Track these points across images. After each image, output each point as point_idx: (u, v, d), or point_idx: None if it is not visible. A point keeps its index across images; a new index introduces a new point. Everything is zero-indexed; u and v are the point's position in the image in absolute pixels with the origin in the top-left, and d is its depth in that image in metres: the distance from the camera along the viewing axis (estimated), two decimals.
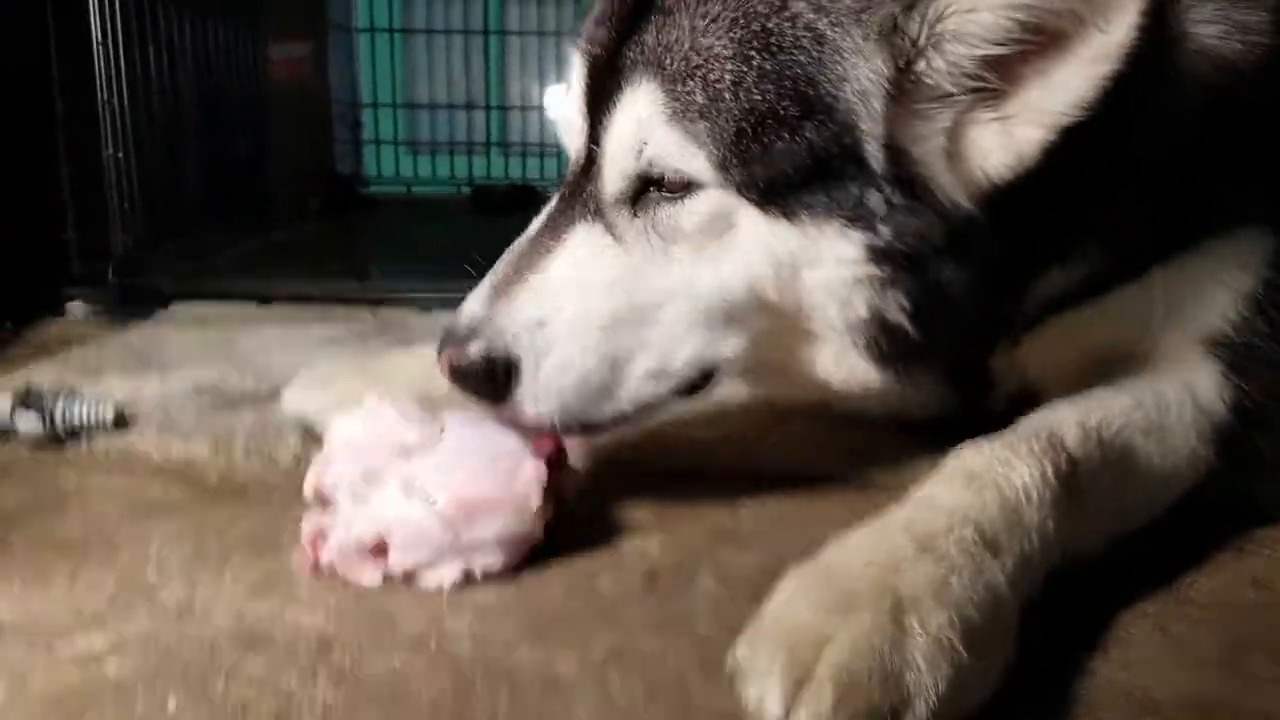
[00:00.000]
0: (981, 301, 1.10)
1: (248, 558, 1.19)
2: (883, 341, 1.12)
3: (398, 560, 1.12)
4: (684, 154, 1.05)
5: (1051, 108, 1.01)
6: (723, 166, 1.05)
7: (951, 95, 1.05)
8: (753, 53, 1.05)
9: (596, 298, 1.11)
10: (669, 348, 1.14)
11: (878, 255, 1.07)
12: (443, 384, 1.48)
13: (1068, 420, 1.14)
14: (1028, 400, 1.30)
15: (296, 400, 1.48)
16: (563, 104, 1.18)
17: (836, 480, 1.42)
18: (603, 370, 1.13)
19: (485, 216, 4.40)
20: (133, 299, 2.44)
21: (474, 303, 1.15)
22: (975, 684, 0.88)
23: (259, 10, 3.87)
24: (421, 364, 1.53)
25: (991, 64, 1.03)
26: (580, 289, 1.11)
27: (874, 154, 1.05)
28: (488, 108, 4.97)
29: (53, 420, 1.51)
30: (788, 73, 1.04)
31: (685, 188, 1.08)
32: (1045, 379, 1.33)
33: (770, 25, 1.05)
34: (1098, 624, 1.06)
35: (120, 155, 2.47)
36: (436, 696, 0.93)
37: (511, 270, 1.14)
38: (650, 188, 1.10)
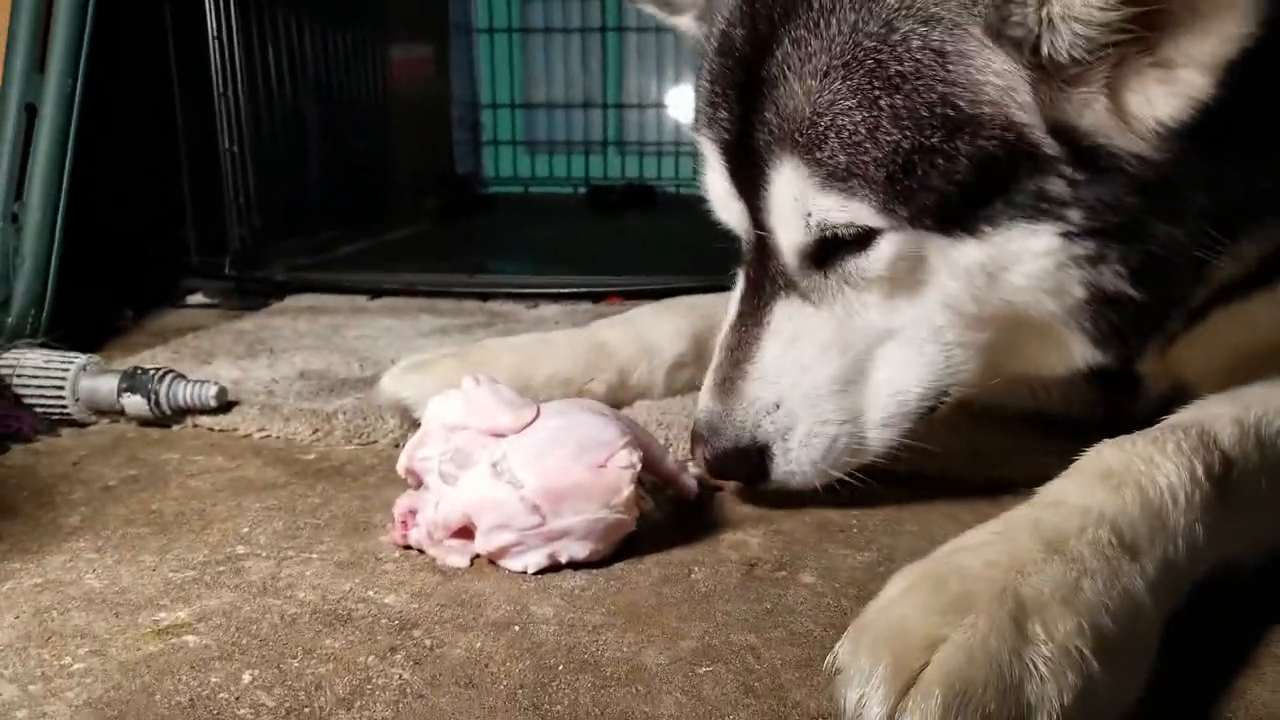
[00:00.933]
0: (1193, 250, 1.06)
1: (338, 536, 1.20)
2: (1109, 315, 1.08)
3: (483, 542, 1.10)
4: (847, 211, 1.05)
5: (1206, 46, 0.94)
6: (888, 210, 1.03)
7: (1093, 60, 0.98)
8: (877, 93, 1.01)
9: (817, 365, 1.14)
10: (899, 389, 1.14)
11: (1075, 236, 1.03)
12: (541, 372, 1.51)
13: (1222, 416, 1.05)
14: (1176, 405, 1.22)
15: (394, 385, 1.48)
16: (714, 189, 1.18)
17: (959, 481, 1.36)
18: (845, 430, 1.16)
19: (601, 216, 4.42)
20: (248, 291, 2.51)
21: (708, 401, 1.20)
22: (1107, 700, 0.80)
23: (381, 12, 3.97)
24: (520, 354, 1.54)
25: (1127, 19, 0.95)
26: (799, 361, 1.14)
27: (1043, 141, 1.00)
28: (605, 106, 4.99)
29: (158, 401, 1.55)
30: (920, 100, 1.00)
31: (863, 238, 1.07)
32: (1201, 381, 1.23)
33: (883, 58, 1.01)
34: (1252, 639, 0.96)
35: (236, 150, 2.54)
36: (517, 681, 0.90)
37: (729, 363, 1.19)
38: (830, 247, 1.09)
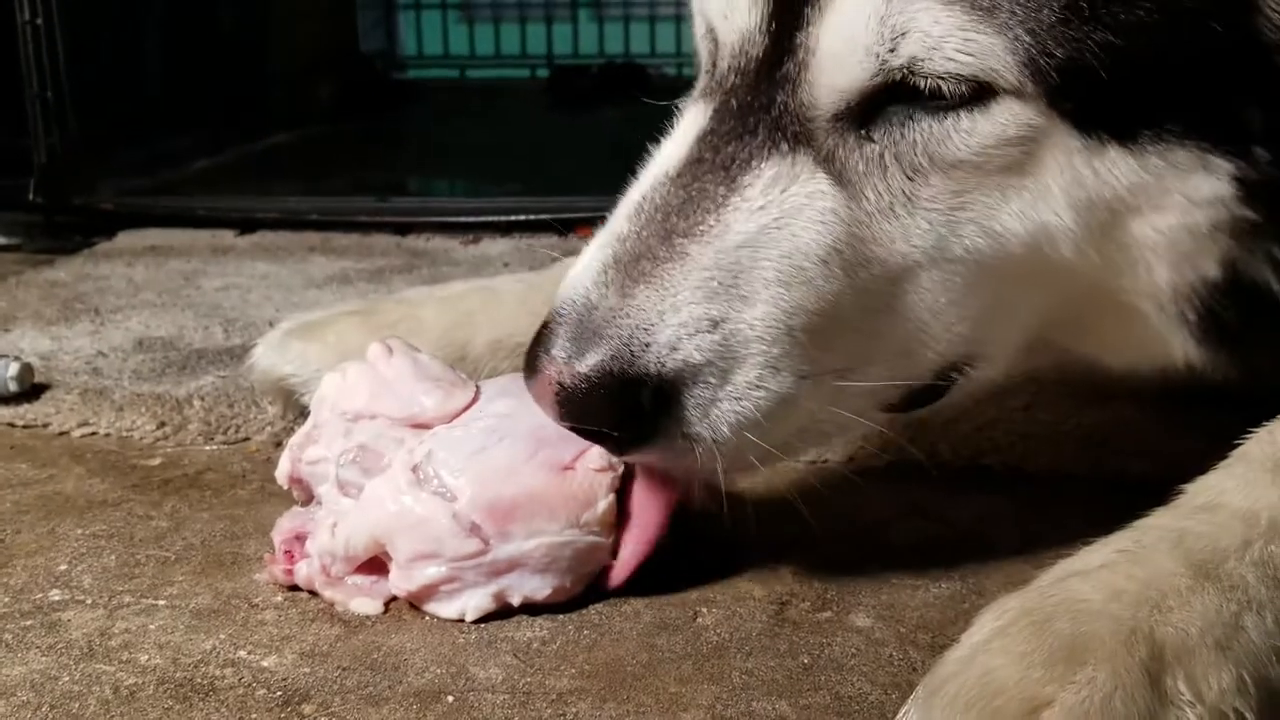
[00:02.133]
0: None
1: (194, 575, 1.21)
2: (1229, 311, 1.08)
3: (401, 579, 1.11)
4: (974, 46, 0.97)
5: None
6: (1034, 65, 0.98)
7: None
8: None
9: (807, 277, 1.03)
10: (910, 345, 1.09)
11: (1250, 191, 1.03)
12: (482, 336, 1.51)
13: None
14: None
15: (273, 356, 1.49)
16: None
17: (1069, 478, 1.38)
18: (815, 390, 1.06)
19: (569, 110, 4.42)
20: (62, 226, 2.51)
21: (587, 280, 1.06)
22: None
23: None
24: (452, 310, 1.54)
25: None
26: (779, 264, 1.03)
27: (1273, 39, 0.99)
28: None
29: None
30: None
31: (966, 98, 1.01)
32: None
33: None
34: None
35: (39, 22, 2.53)
36: None
37: (650, 230, 1.05)
38: (897, 96, 1.02)
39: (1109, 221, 1.05)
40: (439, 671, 1.04)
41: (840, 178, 1.04)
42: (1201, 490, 0.99)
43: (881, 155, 1.04)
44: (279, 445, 1.48)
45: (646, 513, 1.15)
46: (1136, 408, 1.51)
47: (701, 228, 1.04)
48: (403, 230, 2.48)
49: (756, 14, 1.05)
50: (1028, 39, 0.97)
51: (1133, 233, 1.05)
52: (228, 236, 2.51)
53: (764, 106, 1.05)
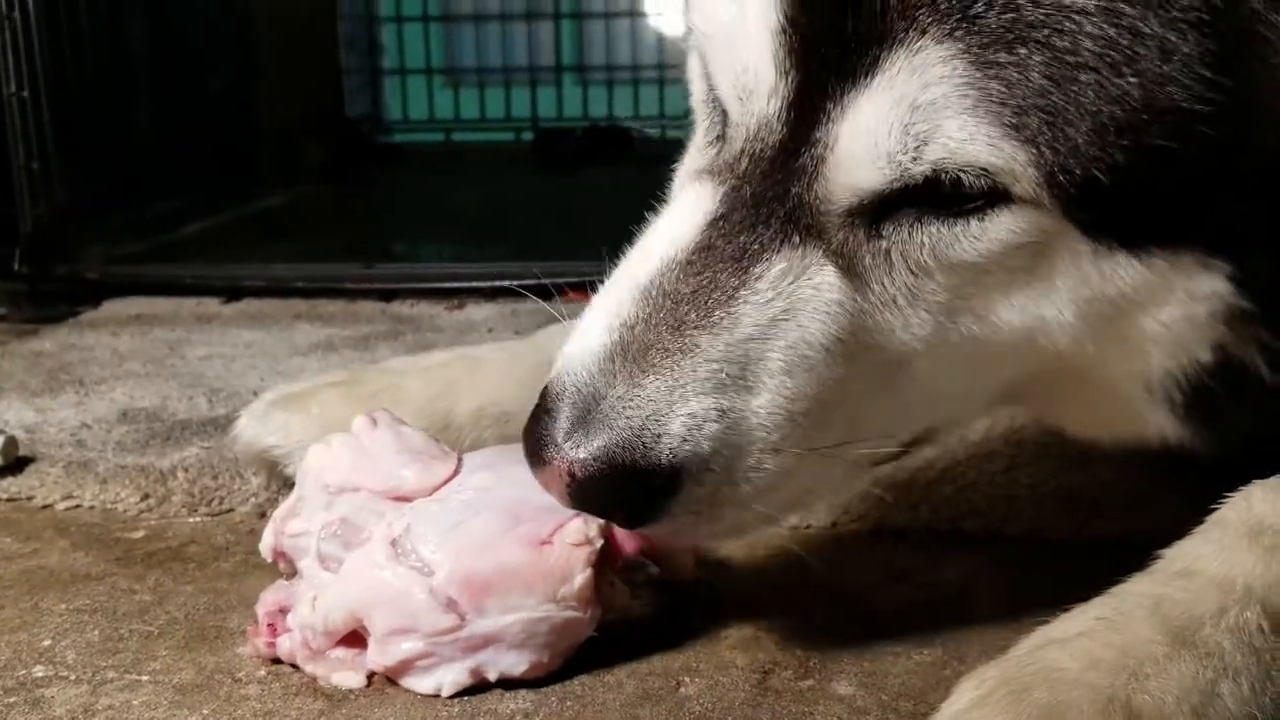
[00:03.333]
0: None
1: (177, 649, 1.21)
2: (1215, 390, 1.10)
3: (378, 653, 1.11)
4: (998, 156, 0.97)
5: None
6: (1053, 180, 0.98)
7: None
8: (1136, 9, 0.96)
9: (810, 364, 1.04)
10: (899, 419, 1.11)
11: (1244, 283, 1.04)
12: (465, 405, 1.52)
13: None
14: None
15: (257, 427, 1.49)
16: (722, 18, 1.07)
17: (1050, 541, 1.39)
18: (810, 463, 1.07)
19: (555, 172, 4.45)
20: (48, 295, 2.52)
21: (588, 366, 1.04)
22: None
23: None
24: (435, 380, 1.55)
25: None
26: (785, 354, 1.03)
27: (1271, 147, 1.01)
28: (557, 17, 5.05)
29: None
30: (1188, 45, 0.96)
31: (979, 204, 1.01)
32: None
33: None
34: None
35: (26, 95, 2.55)
36: None
37: (656, 319, 1.04)
38: (908, 202, 1.02)
39: (1111, 316, 1.06)
40: None
41: (848, 270, 1.04)
42: (1178, 557, 1.00)
43: (888, 252, 1.04)
44: (263, 516, 1.49)
45: None
46: (1115, 469, 1.52)
47: (713, 319, 1.02)
48: (388, 296, 2.49)
49: (776, 103, 1.03)
50: (1050, 155, 0.96)
51: (1134, 325, 1.06)
52: (213, 304, 2.52)
53: (778, 197, 1.04)
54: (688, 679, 1.13)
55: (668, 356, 1.02)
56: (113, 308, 2.52)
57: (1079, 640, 0.91)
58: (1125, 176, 0.97)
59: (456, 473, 1.20)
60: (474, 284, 2.42)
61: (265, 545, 1.23)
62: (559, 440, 1.03)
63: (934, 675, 1.13)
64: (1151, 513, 1.36)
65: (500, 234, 3.17)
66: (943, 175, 0.98)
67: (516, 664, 1.12)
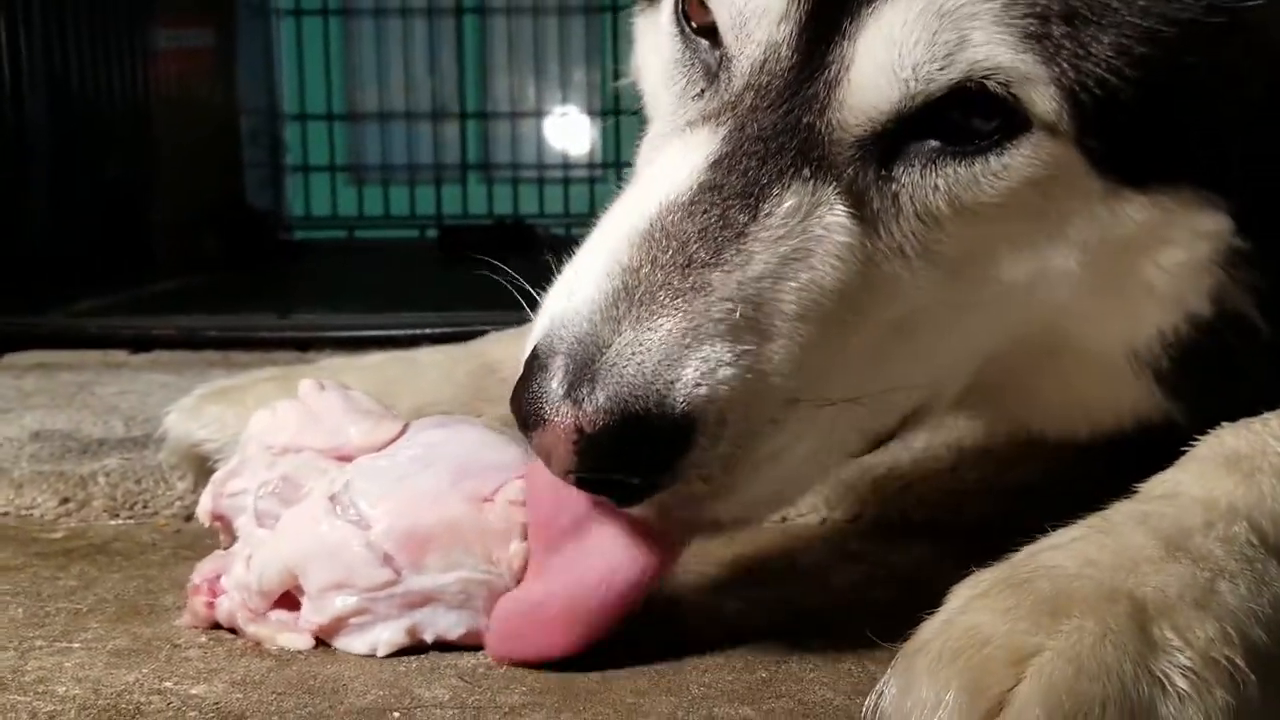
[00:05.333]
0: None
1: (109, 622, 1.16)
2: (1209, 352, 1.09)
3: (312, 610, 1.07)
4: (1021, 69, 0.95)
5: None
6: (1073, 99, 0.96)
7: None
8: None
9: (824, 311, 0.98)
10: (890, 389, 1.06)
11: (1242, 222, 1.05)
12: (403, 404, 1.48)
13: None
14: None
15: (187, 423, 1.44)
16: None
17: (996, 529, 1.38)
18: (817, 442, 1.02)
19: (458, 264, 4.43)
20: None
21: (586, 314, 0.96)
22: None
23: None
24: (372, 378, 1.52)
25: None
26: (798, 296, 0.98)
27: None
28: (463, 117, 5.08)
29: None
30: None
31: (996, 136, 0.99)
32: None
33: None
34: None
35: None
36: None
37: (662, 259, 0.97)
38: (917, 135, 1.00)
39: (1113, 263, 1.05)
40: (381, 694, 0.99)
41: (858, 214, 1.00)
42: (1158, 483, 1.01)
43: (897, 195, 1.01)
44: (189, 520, 1.43)
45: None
46: (1057, 465, 1.53)
47: (723, 256, 0.96)
48: (303, 346, 2.45)
49: (787, 27, 1.00)
50: (1072, 73, 0.96)
51: (1135, 273, 1.06)
52: (120, 355, 2.46)
53: (788, 129, 1.00)
54: (653, 633, 1.09)
55: (678, 296, 0.95)
56: (12, 359, 2.44)
57: (1074, 544, 0.91)
58: (1140, 98, 0.97)
59: (403, 433, 1.16)
60: (391, 332, 2.38)
61: (203, 508, 1.18)
62: (561, 394, 0.93)
63: (909, 628, 1.11)
64: (1099, 498, 1.37)
65: (411, 305, 3.13)
66: (967, 87, 0.96)
67: (454, 627, 1.07)
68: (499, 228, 4.76)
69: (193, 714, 0.96)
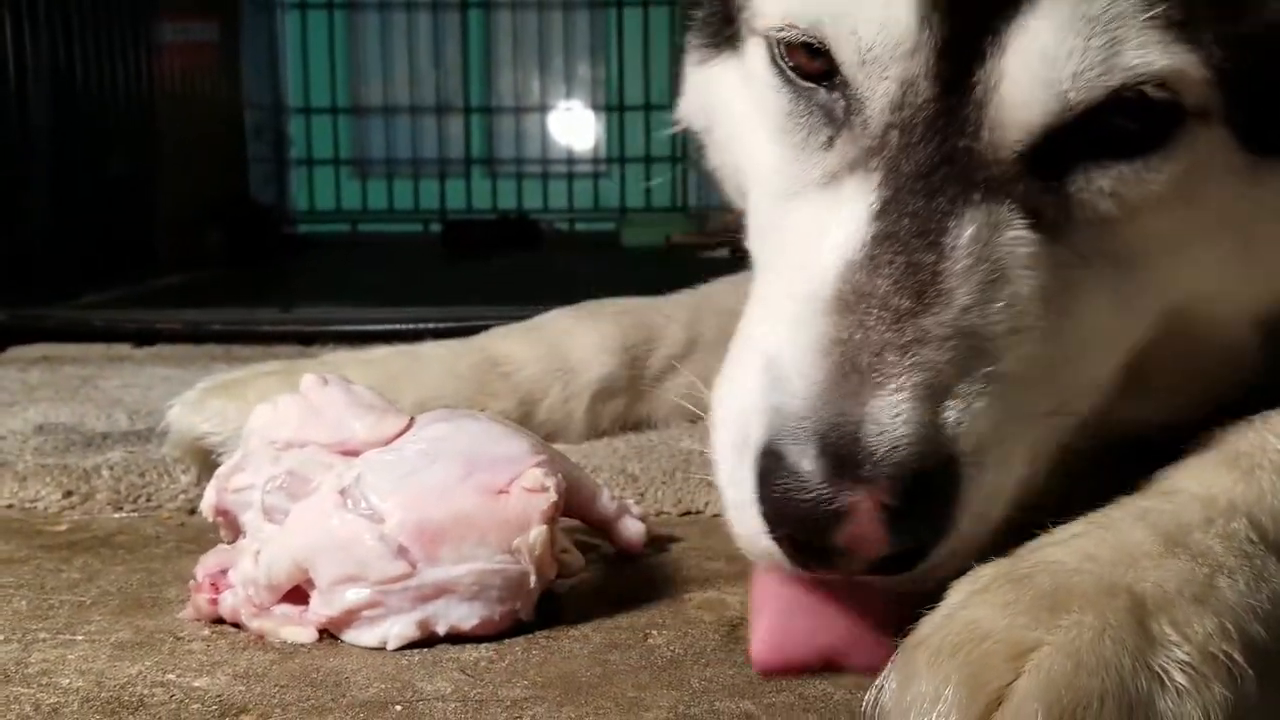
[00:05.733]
0: None
1: (112, 615, 1.16)
2: None
3: (322, 604, 1.07)
4: (1174, 69, 0.93)
5: None
6: (1220, 77, 0.95)
7: None
8: None
9: (1028, 324, 0.97)
10: (1080, 394, 1.03)
11: None
12: (406, 398, 1.49)
13: None
14: None
15: (190, 415, 1.45)
16: None
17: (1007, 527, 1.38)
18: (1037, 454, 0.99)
19: (462, 260, 4.44)
20: None
21: (810, 391, 0.91)
22: None
23: None
24: (376, 372, 1.53)
25: None
26: (1005, 314, 0.96)
27: None
28: (467, 112, 5.09)
29: None
30: None
31: (1153, 130, 0.97)
32: None
33: None
34: None
35: None
36: None
37: (869, 321, 0.93)
38: (1075, 141, 0.97)
39: (1251, 234, 1.04)
40: (383, 687, 1.00)
41: (1036, 223, 0.97)
42: (1158, 480, 1.00)
43: (1067, 202, 0.98)
44: (193, 513, 1.44)
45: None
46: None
47: (926, 300, 0.93)
48: (307, 341, 2.45)
49: (922, 57, 0.96)
50: (1219, 51, 0.94)
51: (1271, 239, 1.06)
52: (124, 349, 2.46)
53: (945, 159, 0.96)
54: (655, 631, 1.11)
55: (905, 353, 0.91)
56: (18, 352, 2.45)
57: (1074, 540, 0.90)
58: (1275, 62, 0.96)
59: (409, 427, 1.17)
60: (395, 327, 2.38)
61: (206, 503, 1.18)
62: (847, 481, 0.88)
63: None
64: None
65: (413, 300, 3.13)
66: (1124, 95, 0.94)
67: (467, 617, 1.08)
68: (503, 223, 4.76)
69: (195, 706, 0.96)
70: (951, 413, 0.91)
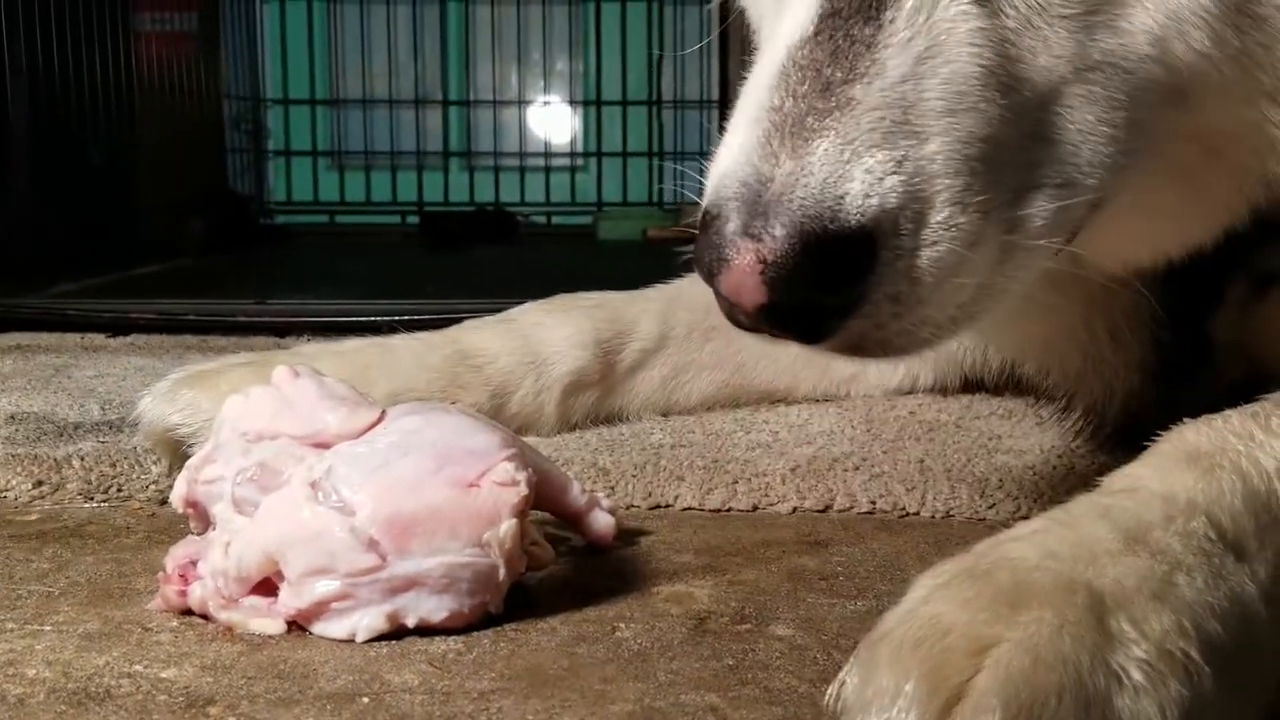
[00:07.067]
0: None
1: (81, 605, 1.15)
2: None
3: (291, 596, 1.06)
4: None
5: None
6: None
7: None
8: None
9: (970, 102, 0.98)
10: (1068, 173, 1.03)
11: None
12: (378, 389, 1.48)
13: None
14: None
15: (161, 405, 1.44)
16: None
17: (972, 520, 1.40)
18: (992, 228, 1.00)
19: (439, 251, 4.43)
20: None
21: (746, 158, 0.97)
22: None
23: None
24: (347, 363, 1.52)
25: None
26: (942, 92, 0.98)
27: None
28: (445, 104, 5.07)
29: None
30: None
31: None
32: None
33: None
34: None
35: None
36: None
37: (800, 91, 0.98)
38: None
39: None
40: (351, 679, 0.99)
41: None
42: (1119, 478, 1.00)
43: None
44: (164, 503, 1.42)
45: None
46: (1017, 458, 1.55)
47: (859, 70, 0.97)
48: (281, 332, 2.44)
49: None
50: None
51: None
52: (99, 338, 2.44)
53: None
54: (622, 624, 1.10)
55: (824, 118, 0.96)
56: None
57: (1035, 536, 0.90)
58: None
59: (380, 420, 1.16)
60: (370, 319, 2.37)
61: (176, 495, 1.17)
62: (739, 234, 0.94)
63: (870, 620, 1.09)
64: (1056, 495, 1.38)
65: (389, 291, 3.12)
66: None
67: (436, 610, 1.07)
68: (480, 215, 4.76)
69: (162, 698, 0.95)
70: (859, 184, 0.94)
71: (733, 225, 0.95)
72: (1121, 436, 1.41)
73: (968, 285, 0.99)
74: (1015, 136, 1.00)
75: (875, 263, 0.95)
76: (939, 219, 0.97)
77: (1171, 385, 1.35)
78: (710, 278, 0.98)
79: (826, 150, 0.95)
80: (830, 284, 0.96)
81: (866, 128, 0.95)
